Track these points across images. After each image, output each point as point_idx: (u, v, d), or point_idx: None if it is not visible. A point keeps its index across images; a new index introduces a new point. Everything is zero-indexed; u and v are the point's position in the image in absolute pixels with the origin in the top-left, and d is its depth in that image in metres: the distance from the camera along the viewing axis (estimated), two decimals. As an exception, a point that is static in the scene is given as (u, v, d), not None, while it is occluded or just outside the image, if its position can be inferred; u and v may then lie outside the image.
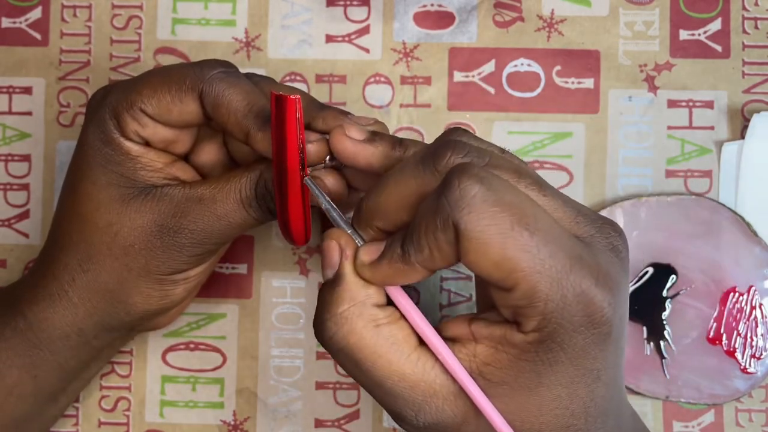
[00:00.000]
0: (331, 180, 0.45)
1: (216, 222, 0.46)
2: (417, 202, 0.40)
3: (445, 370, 0.41)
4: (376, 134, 0.44)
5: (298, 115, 0.42)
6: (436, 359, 0.41)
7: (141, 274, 0.47)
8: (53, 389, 0.50)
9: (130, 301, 0.48)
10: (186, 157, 0.50)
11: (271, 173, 0.45)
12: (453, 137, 0.41)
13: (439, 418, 0.41)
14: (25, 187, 0.56)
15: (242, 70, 0.49)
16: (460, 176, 0.38)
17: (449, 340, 0.41)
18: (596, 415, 0.40)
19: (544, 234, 0.38)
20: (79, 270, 0.47)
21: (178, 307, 0.51)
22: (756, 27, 0.55)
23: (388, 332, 0.41)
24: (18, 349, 0.48)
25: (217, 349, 0.55)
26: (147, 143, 0.47)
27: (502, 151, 0.42)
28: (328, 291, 0.42)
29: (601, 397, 0.40)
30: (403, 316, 0.42)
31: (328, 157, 0.45)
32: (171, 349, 0.55)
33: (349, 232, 0.42)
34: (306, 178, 0.43)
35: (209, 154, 0.50)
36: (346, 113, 0.47)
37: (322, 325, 0.41)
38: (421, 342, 0.41)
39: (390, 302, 0.42)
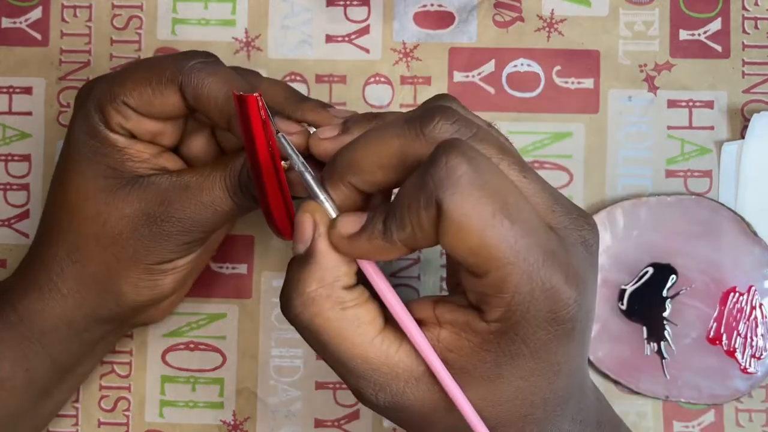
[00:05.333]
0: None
1: (202, 209, 0.46)
2: (396, 163, 0.39)
3: (409, 355, 0.40)
4: (349, 121, 0.43)
5: (261, 113, 0.41)
6: (401, 343, 0.40)
7: (129, 264, 0.47)
8: (46, 383, 0.50)
9: (119, 291, 0.48)
10: (177, 149, 0.50)
11: None
12: (442, 103, 0.41)
13: (399, 400, 0.40)
14: (25, 187, 0.56)
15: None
16: (448, 153, 0.37)
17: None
18: (555, 404, 0.40)
19: (523, 225, 0.37)
20: (68, 261, 0.47)
21: (169, 300, 0.51)
22: (756, 27, 0.55)
23: (354, 315, 0.40)
24: (9, 342, 0.48)
25: (216, 349, 0.55)
26: (132, 135, 0.47)
27: (489, 125, 0.42)
28: (297, 268, 0.40)
29: (561, 387, 0.40)
30: (371, 298, 0.41)
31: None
32: (171, 349, 0.55)
33: (322, 197, 0.41)
34: (278, 134, 0.42)
35: (199, 145, 0.50)
36: (326, 105, 0.47)
37: (288, 302, 0.40)
38: (386, 325, 0.41)
39: (360, 280, 0.41)
